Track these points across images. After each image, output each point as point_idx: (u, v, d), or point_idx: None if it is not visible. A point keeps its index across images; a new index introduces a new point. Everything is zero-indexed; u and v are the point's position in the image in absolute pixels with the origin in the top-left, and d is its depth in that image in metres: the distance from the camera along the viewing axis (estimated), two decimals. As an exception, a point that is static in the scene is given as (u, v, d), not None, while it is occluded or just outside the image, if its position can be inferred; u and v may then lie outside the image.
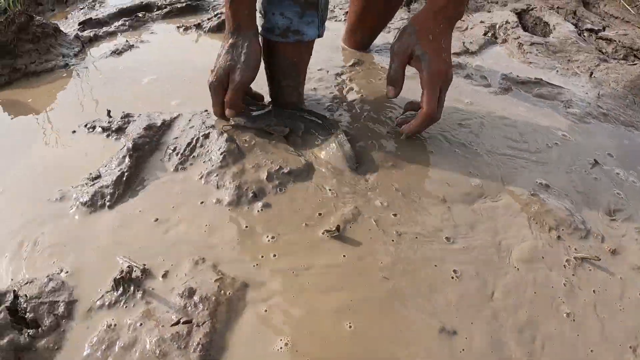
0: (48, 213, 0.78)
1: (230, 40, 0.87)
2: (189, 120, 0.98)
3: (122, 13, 1.56)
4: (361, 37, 1.31)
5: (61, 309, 0.63)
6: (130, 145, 0.87)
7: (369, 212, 0.80)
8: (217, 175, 0.84)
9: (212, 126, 0.96)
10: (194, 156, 0.89)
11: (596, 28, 1.65)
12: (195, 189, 0.83)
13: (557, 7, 1.81)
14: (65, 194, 0.81)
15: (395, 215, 0.79)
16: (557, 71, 1.37)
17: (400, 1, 1.22)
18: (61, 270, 0.68)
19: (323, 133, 0.95)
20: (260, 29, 0.91)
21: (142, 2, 1.60)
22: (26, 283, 0.65)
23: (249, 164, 0.87)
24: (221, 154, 0.87)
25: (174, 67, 1.22)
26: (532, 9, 1.75)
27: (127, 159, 0.85)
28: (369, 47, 1.35)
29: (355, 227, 0.76)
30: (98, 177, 0.84)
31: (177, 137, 0.94)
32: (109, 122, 0.97)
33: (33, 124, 1.03)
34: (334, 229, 0.73)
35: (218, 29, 1.42)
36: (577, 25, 1.71)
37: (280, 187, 0.83)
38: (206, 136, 0.93)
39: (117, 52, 1.30)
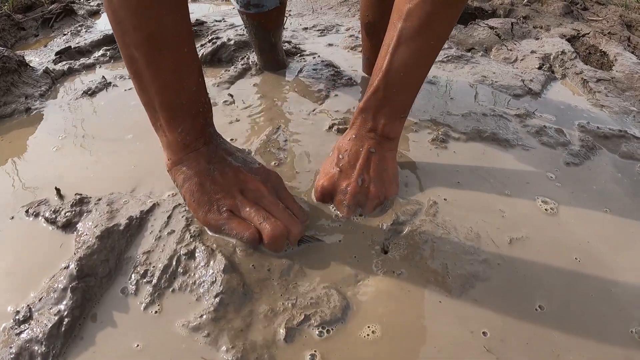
0: None
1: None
2: (168, 219, 0.59)
3: (106, 40, 1.21)
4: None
5: None
6: (75, 271, 0.51)
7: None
8: (207, 334, 0.47)
9: (199, 234, 0.56)
10: (173, 290, 0.51)
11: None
12: (175, 349, 0.46)
13: (609, 33, 1.45)
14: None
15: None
16: (634, 117, 1.00)
17: None
18: None
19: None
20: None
21: (130, 28, 1.24)
22: None
23: (260, 310, 0.49)
24: (216, 295, 0.49)
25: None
26: (583, 36, 1.39)
27: (68, 295, 0.49)
28: None
29: None
30: (28, 318, 0.48)
31: (148, 252, 0.55)
32: (55, 210, 0.62)
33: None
34: None
35: (212, 57, 1.06)
36: (634, 53, 1.34)
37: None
38: (190, 255, 0.54)
39: (90, 93, 0.95)
